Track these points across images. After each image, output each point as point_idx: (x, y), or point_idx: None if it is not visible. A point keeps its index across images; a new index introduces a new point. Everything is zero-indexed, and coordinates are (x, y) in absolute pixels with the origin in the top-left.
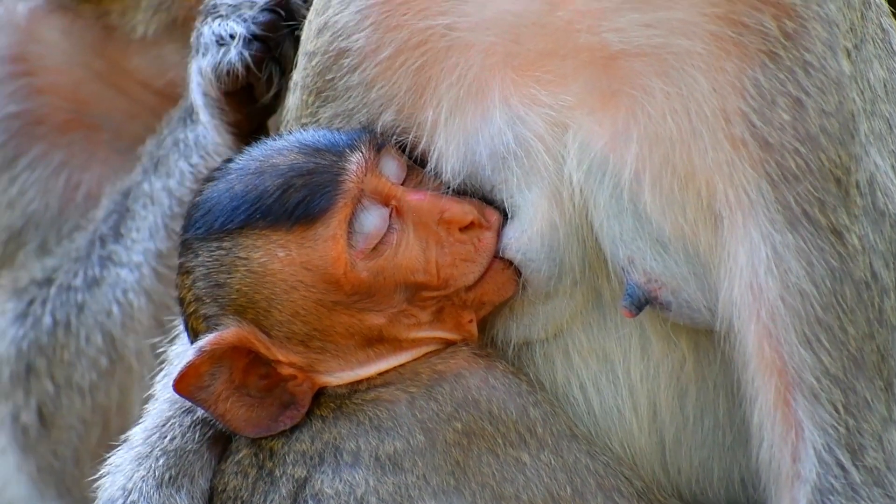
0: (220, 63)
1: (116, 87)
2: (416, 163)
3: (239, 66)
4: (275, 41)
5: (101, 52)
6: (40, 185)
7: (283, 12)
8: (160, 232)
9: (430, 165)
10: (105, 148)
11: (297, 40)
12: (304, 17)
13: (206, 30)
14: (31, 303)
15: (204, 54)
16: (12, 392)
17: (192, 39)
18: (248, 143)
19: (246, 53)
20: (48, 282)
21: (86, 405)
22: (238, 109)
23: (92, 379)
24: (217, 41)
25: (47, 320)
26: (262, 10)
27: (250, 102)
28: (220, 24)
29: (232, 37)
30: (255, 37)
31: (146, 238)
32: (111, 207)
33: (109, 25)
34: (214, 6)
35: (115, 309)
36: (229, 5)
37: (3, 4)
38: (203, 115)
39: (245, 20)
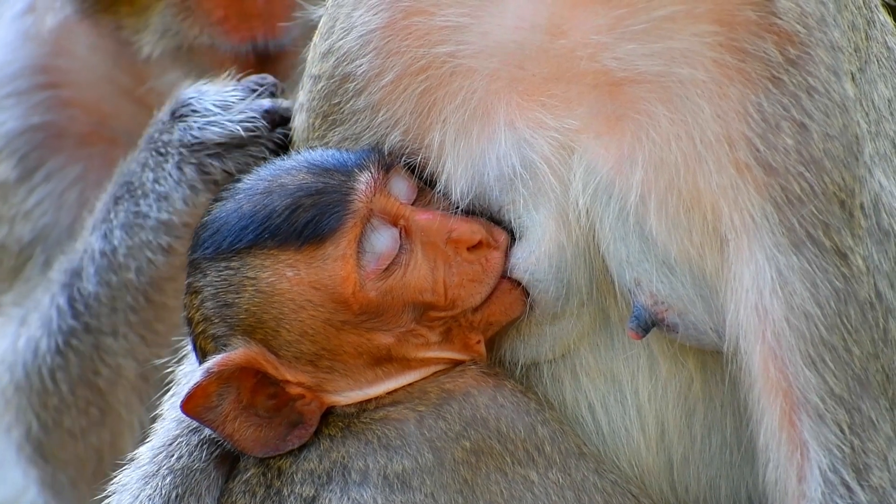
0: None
1: (139, 102)
2: (426, 184)
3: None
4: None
5: (124, 67)
6: (54, 199)
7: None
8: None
9: (439, 186)
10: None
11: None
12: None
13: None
14: (16, 339)
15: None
16: (6, 410)
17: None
18: None
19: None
20: (25, 322)
21: (78, 445)
22: None
23: (82, 425)
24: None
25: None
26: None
27: None
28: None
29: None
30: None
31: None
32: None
33: (125, 40)
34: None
35: (103, 370)
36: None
37: (32, 16)
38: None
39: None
